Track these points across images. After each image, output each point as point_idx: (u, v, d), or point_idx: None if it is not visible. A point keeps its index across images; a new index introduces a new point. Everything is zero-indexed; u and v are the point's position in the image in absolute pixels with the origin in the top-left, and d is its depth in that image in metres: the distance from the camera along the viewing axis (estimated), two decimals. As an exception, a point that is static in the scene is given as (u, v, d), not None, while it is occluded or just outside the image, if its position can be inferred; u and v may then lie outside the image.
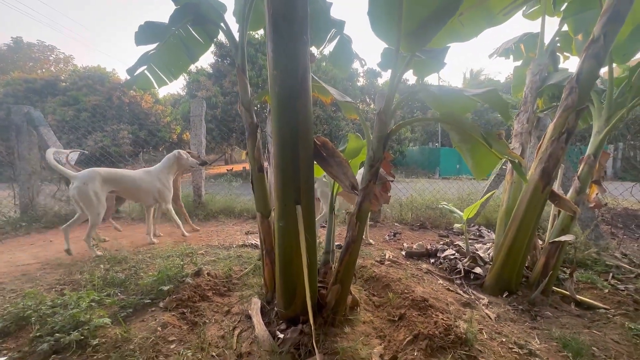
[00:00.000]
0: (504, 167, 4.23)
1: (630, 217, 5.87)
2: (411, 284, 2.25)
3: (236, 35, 1.95)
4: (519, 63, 3.66)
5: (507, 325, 1.99)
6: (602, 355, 1.71)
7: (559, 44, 3.26)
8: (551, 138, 2.24)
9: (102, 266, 2.28)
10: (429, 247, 3.21)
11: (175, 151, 3.49)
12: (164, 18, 2.17)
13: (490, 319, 2.05)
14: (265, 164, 2.04)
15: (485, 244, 3.36)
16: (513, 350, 1.68)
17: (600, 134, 2.47)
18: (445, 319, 1.74)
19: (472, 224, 4.47)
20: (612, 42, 2.03)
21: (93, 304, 1.65)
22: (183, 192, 4.05)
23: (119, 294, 1.95)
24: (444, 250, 3.08)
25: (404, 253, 3.14)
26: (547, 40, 2.96)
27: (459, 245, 3.17)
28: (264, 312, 1.85)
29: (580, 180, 2.49)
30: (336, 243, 2.95)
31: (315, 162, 1.50)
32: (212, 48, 14.70)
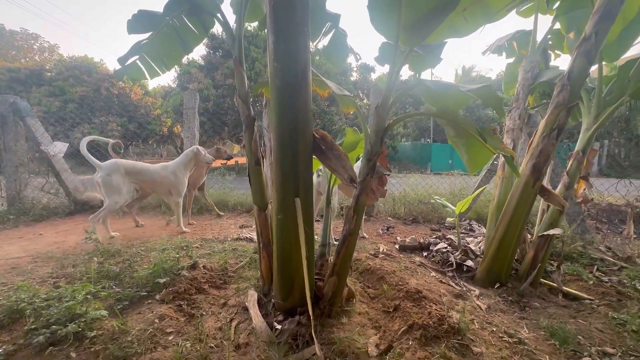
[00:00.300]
0: (495, 162, 4.31)
1: (614, 212, 6.06)
2: (405, 276, 2.30)
3: (232, 27, 1.93)
4: (511, 60, 3.71)
5: (498, 316, 2.05)
6: (587, 343, 1.78)
7: (550, 42, 3.31)
8: (542, 134, 2.30)
9: (95, 259, 2.25)
10: (421, 240, 3.27)
11: (194, 147, 3.60)
12: (158, 7, 2.13)
13: (482, 309, 2.11)
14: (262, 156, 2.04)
15: (476, 237, 3.43)
16: (503, 339, 1.73)
17: (589, 130, 2.54)
18: (438, 309, 1.78)
19: (464, 218, 4.55)
20: (603, 41, 2.08)
21: (89, 296, 1.64)
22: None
23: (114, 286, 1.94)
24: (437, 243, 3.14)
25: (397, 246, 3.18)
26: (539, 37, 3.01)
27: (451, 239, 3.24)
28: (260, 304, 1.86)
29: (569, 176, 2.56)
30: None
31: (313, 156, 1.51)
32: (204, 39, 14.48)
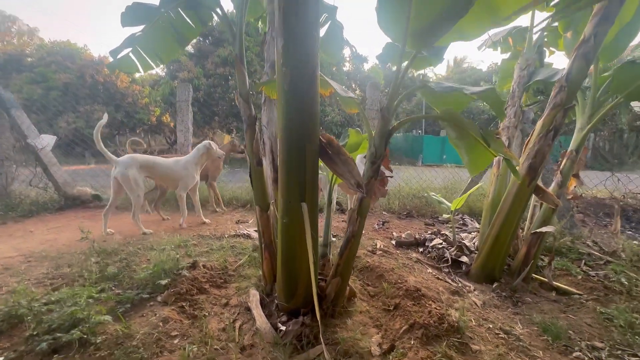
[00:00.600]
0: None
1: (600, 205, 6.27)
2: (404, 273, 2.34)
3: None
4: (506, 56, 3.73)
5: (493, 312, 2.12)
6: (577, 337, 1.87)
7: (546, 39, 3.33)
8: (539, 135, 2.34)
9: (92, 259, 2.21)
10: (417, 236, 3.32)
11: (206, 142, 3.67)
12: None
13: (477, 305, 2.17)
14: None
15: (470, 232, 3.51)
16: (499, 335, 1.80)
17: (583, 130, 2.59)
18: (437, 308, 1.83)
19: (457, 213, 4.64)
20: (601, 43, 2.11)
21: (90, 300, 1.61)
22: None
23: (113, 288, 1.91)
24: (432, 239, 3.20)
25: (394, 242, 3.23)
26: (535, 35, 3.02)
27: (446, 235, 3.30)
28: (263, 304, 1.88)
29: (562, 175, 2.62)
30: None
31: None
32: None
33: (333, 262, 2.19)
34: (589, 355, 1.71)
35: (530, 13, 2.93)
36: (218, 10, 1.87)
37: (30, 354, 1.35)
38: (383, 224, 4.05)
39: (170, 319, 1.63)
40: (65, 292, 1.72)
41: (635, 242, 3.98)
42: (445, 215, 4.09)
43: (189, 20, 2.24)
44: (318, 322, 1.67)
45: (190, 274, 2.07)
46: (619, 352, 1.75)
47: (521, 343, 1.75)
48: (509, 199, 2.46)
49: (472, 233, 3.42)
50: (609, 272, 2.78)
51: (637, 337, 1.84)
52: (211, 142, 3.70)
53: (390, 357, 1.50)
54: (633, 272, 2.76)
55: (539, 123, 2.37)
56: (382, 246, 3.03)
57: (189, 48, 15.14)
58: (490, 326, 1.88)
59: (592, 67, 2.58)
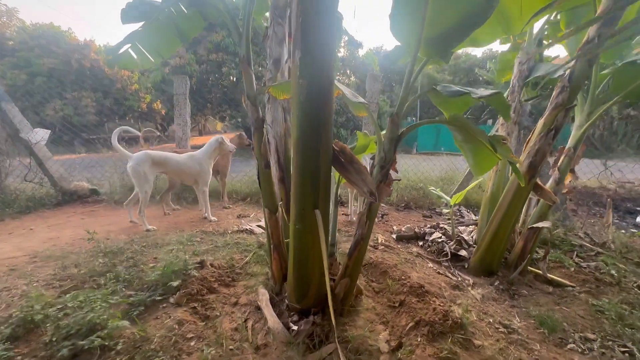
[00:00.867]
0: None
1: (590, 194, 6.46)
2: (406, 269, 2.41)
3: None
4: (505, 47, 3.72)
5: (491, 305, 2.21)
6: (571, 329, 1.97)
7: (546, 32, 3.33)
8: (540, 134, 2.38)
9: (100, 260, 2.22)
10: (417, 230, 3.40)
11: (218, 137, 3.69)
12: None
13: (477, 299, 2.27)
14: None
15: (467, 225, 3.60)
16: (499, 330, 1.89)
17: (582, 128, 2.64)
18: (441, 304, 1.91)
19: (454, 205, 4.74)
20: (604, 44, 2.13)
21: (104, 304, 1.64)
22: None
23: (124, 289, 1.94)
24: (432, 233, 3.28)
25: (394, 236, 3.30)
26: (535, 28, 3.02)
27: (445, 228, 3.38)
28: (273, 303, 1.93)
29: (559, 172, 2.69)
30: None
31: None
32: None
33: (340, 262, 2.26)
34: (582, 346, 1.82)
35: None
36: (223, 9, 1.82)
37: (51, 359, 1.38)
38: (382, 217, 4.12)
39: (185, 321, 1.67)
40: (76, 296, 1.74)
41: (622, 230, 4.15)
42: (445, 211, 4.18)
43: (191, 16, 2.19)
44: (328, 321, 1.74)
45: (199, 273, 2.10)
46: (610, 342, 1.86)
47: (519, 337, 1.84)
48: (509, 196, 2.52)
49: (470, 226, 3.51)
50: (600, 263, 2.90)
51: (626, 328, 1.95)
52: (223, 137, 3.72)
53: (399, 354, 1.57)
54: (622, 264, 2.89)
55: (540, 122, 2.41)
56: (383, 240, 3.10)
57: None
58: (490, 320, 1.97)
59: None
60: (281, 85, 1.89)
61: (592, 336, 1.92)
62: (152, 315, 1.72)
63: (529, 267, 2.76)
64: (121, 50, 2.39)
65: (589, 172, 6.47)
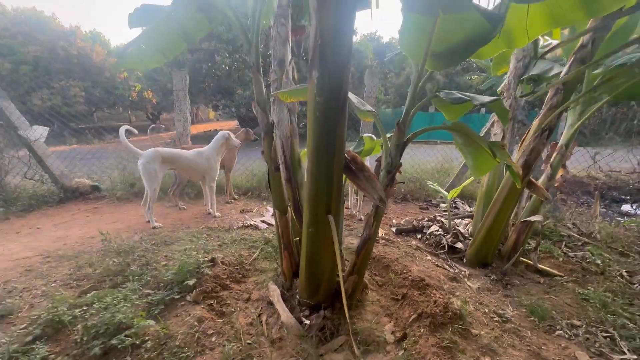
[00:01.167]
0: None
1: (578, 183, 6.68)
2: (407, 263, 2.55)
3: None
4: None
5: (486, 295, 2.37)
6: (559, 317, 2.14)
7: (543, 31, 3.40)
8: (534, 134, 2.49)
9: (115, 260, 2.30)
10: (415, 223, 3.54)
11: (225, 133, 3.74)
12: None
13: (473, 290, 2.43)
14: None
15: (463, 218, 3.76)
16: (494, 319, 2.05)
17: (573, 126, 2.76)
18: (441, 296, 2.05)
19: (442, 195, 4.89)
20: (598, 48, 2.22)
21: (127, 304, 1.73)
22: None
23: (141, 288, 2.02)
24: (429, 226, 3.42)
25: (394, 230, 3.44)
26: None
27: (442, 221, 3.52)
28: (284, 299, 2.05)
29: (552, 168, 2.82)
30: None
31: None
32: None
33: (347, 259, 2.38)
34: (568, 332, 1.99)
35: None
36: (232, 16, 1.85)
37: (82, 357, 1.48)
38: (381, 210, 4.25)
39: (205, 318, 1.78)
40: (99, 296, 1.83)
41: (607, 219, 4.37)
42: (443, 205, 4.33)
43: (197, 19, 2.20)
44: (337, 315, 1.87)
45: (211, 271, 2.20)
46: (594, 328, 2.03)
47: (512, 325, 2.00)
48: (504, 192, 2.65)
49: (466, 219, 3.67)
50: (586, 253, 3.09)
51: (609, 315, 2.13)
52: (230, 133, 3.77)
53: (404, 345, 1.71)
54: (607, 253, 3.08)
55: (535, 122, 2.52)
56: (383, 234, 3.23)
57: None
58: (486, 310, 2.13)
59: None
60: (290, 92, 1.95)
61: (578, 323, 2.09)
62: (172, 313, 1.82)
63: (521, 258, 2.93)
64: (124, 51, 2.40)
65: (575, 161, 6.65)
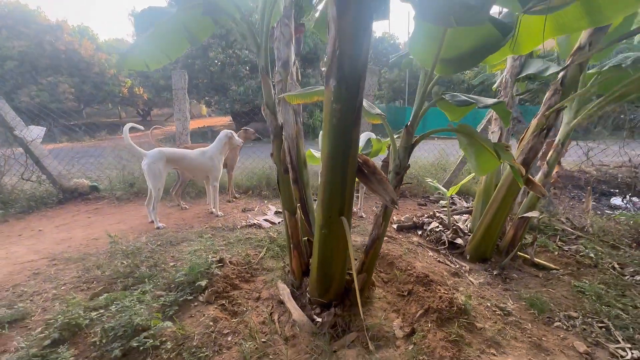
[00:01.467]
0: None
1: (569, 177, 6.86)
2: (411, 260, 2.62)
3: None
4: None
5: (487, 289, 2.46)
6: (556, 309, 2.24)
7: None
8: (533, 133, 2.57)
9: (123, 261, 2.31)
10: (415, 220, 3.62)
11: (227, 132, 3.75)
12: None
13: (474, 284, 2.51)
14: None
15: (462, 214, 3.85)
16: (496, 312, 2.13)
17: (569, 125, 2.85)
18: (446, 292, 2.12)
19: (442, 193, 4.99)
20: (595, 50, 2.29)
21: (143, 306, 1.76)
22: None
23: (152, 290, 2.05)
24: (429, 222, 3.50)
25: (395, 226, 3.51)
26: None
27: (441, 218, 3.61)
28: (294, 297, 2.10)
29: (548, 165, 2.91)
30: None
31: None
32: None
33: (355, 258, 2.43)
34: (566, 324, 2.09)
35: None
36: (240, 19, 1.86)
37: (103, 359, 1.51)
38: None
39: (219, 318, 1.81)
40: (111, 298, 1.85)
41: (598, 212, 4.52)
42: (442, 202, 4.41)
43: (202, 21, 2.20)
44: (348, 312, 1.93)
45: (221, 272, 2.23)
46: (589, 319, 2.13)
47: (514, 318, 2.09)
48: (502, 190, 2.74)
49: (464, 215, 3.76)
50: (580, 246, 3.21)
51: (603, 306, 2.23)
52: (232, 132, 3.78)
53: (413, 339, 1.78)
54: (599, 246, 3.21)
55: (534, 122, 2.59)
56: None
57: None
58: (488, 304, 2.21)
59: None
60: (297, 94, 1.98)
61: (574, 314, 2.19)
62: (186, 314, 1.86)
63: (518, 253, 3.03)
64: (128, 52, 2.39)
65: (567, 155, 6.80)
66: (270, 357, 1.63)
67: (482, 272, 2.75)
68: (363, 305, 2.06)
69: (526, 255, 2.97)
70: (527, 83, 4.15)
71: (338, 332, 1.82)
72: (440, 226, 3.43)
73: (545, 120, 2.50)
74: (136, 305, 1.73)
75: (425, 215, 3.71)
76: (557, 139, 2.92)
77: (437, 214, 3.75)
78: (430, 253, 2.96)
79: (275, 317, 1.96)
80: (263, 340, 1.75)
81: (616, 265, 2.86)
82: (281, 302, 2.09)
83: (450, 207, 4.33)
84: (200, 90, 14.31)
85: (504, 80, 3.52)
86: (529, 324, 2.05)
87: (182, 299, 1.93)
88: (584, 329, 2.03)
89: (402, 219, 3.69)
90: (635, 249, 3.21)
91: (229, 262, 2.41)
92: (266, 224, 3.39)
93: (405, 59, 1.96)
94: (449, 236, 3.22)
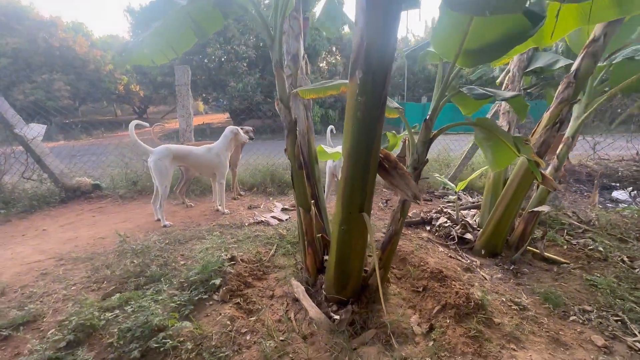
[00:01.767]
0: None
1: (570, 172, 6.88)
2: (423, 255, 2.60)
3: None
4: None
5: (500, 284, 2.45)
6: (570, 303, 2.24)
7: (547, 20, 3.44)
8: (545, 127, 2.55)
9: (134, 261, 2.27)
10: (423, 215, 3.60)
11: (233, 128, 3.70)
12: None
13: (487, 279, 2.51)
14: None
15: (469, 209, 3.84)
16: (512, 307, 2.12)
17: (579, 119, 2.83)
18: (461, 288, 2.11)
19: (450, 188, 4.98)
20: (609, 42, 2.27)
21: (158, 305, 1.72)
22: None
23: (165, 289, 2.01)
24: (438, 218, 3.49)
25: (403, 222, 3.48)
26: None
27: (449, 213, 3.60)
28: (309, 294, 2.07)
29: (558, 159, 2.90)
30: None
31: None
32: None
33: (369, 254, 2.41)
34: (582, 317, 2.08)
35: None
36: (254, 11, 1.81)
37: (121, 360, 1.48)
38: (386, 202, 4.30)
39: (236, 317, 1.79)
40: (124, 298, 1.82)
41: (599, 206, 4.53)
42: (451, 197, 4.41)
43: (211, 13, 2.14)
44: (365, 309, 1.91)
45: (234, 270, 2.20)
46: (604, 313, 2.13)
47: (530, 313, 2.08)
48: (514, 184, 2.72)
49: (472, 210, 3.75)
50: (587, 240, 3.21)
51: (617, 300, 2.23)
52: (238, 128, 3.73)
53: (433, 335, 1.77)
54: (607, 240, 3.21)
55: (546, 115, 2.57)
56: (394, 227, 3.28)
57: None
58: (503, 299, 2.20)
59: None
60: (311, 89, 1.94)
61: (589, 308, 2.19)
62: (201, 313, 1.83)
63: (528, 247, 3.03)
64: (133, 47, 2.33)
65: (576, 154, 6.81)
66: (291, 355, 1.60)
67: (493, 267, 2.74)
68: (378, 302, 2.04)
69: (536, 250, 2.97)
70: (531, 77, 4.12)
71: (356, 329, 1.80)
72: (448, 221, 3.41)
73: (558, 114, 2.48)
74: (152, 305, 1.69)
75: (433, 211, 3.69)
76: (567, 132, 2.91)
77: (445, 209, 3.74)
78: (441, 248, 2.95)
79: (292, 315, 1.94)
80: (281, 338, 1.72)
81: (625, 259, 2.85)
82: (296, 300, 2.07)
83: (457, 201, 4.32)
84: (198, 87, 14.16)
85: (511, 74, 3.50)
86: (545, 319, 2.05)
87: (196, 298, 1.90)
88: (600, 323, 2.03)
89: (410, 214, 3.67)
90: (643, 242, 3.21)
91: (240, 259, 2.38)
92: (274, 221, 3.35)
93: (420, 52, 1.92)
94: (458, 231, 3.21)
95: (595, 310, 2.16)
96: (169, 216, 3.43)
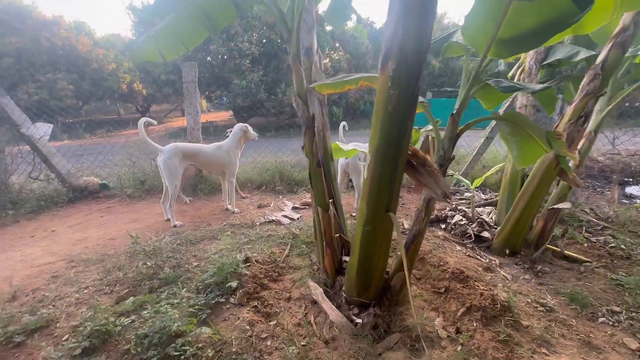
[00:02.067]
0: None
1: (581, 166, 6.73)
2: (442, 255, 2.52)
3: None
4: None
5: (523, 284, 2.37)
6: (597, 304, 2.16)
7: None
8: (569, 121, 2.45)
9: (147, 262, 2.21)
10: (437, 213, 3.52)
11: (242, 125, 3.64)
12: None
13: (508, 279, 2.42)
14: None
15: (484, 206, 3.75)
16: (538, 309, 2.05)
17: (602, 112, 2.73)
18: (486, 289, 2.03)
19: (462, 184, 4.88)
20: (639, 31, 2.17)
21: (175, 310, 1.66)
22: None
23: (181, 292, 1.95)
24: (453, 216, 3.40)
25: (417, 220, 3.40)
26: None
27: (464, 210, 3.51)
28: (328, 296, 2.01)
29: (580, 155, 2.80)
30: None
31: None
32: None
33: (390, 255, 2.33)
34: (611, 319, 2.00)
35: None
36: (270, 3, 1.73)
37: (139, 368, 1.42)
38: (398, 200, 4.22)
39: (254, 321, 1.72)
40: (138, 302, 1.76)
41: (615, 204, 4.41)
42: (467, 194, 4.32)
43: (223, 6, 2.06)
44: (387, 312, 1.84)
45: (249, 271, 2.14)
46: (634, 314, 2.05)
47: (557, 314, 2.00)
48: (535, 180, 2.63)
49: (487, 207, 3.66)
50: (607, 237, 3.12)
51: (646, 300, 2.15)
52: (247, 125, 3.67)
53: (460, 339, 1.69)
54: (629, 237, 3.11)
55: (570, 109, 2.47)
56: (408, 226, 3.20)
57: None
58: (528, 300, 2.13)
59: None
60: (330, 83, 1.86)
61: (617, 309, 2.11)
62: (219, 317, 1.77)
63: (547, 245, 2.94)
64: (143, 43, 2.27)
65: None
66: (314, 361, 1.54)
67: (513, 266, 2.66)
68: (400, 304, 1.97)
69: (556, 248, 2.88)
70: (546, 71, 4.00)
71: (380, 333, 1.73)
72: (464, 219, 3.33)
73: (583, 107, 2.39)
74: (168, 309, 1.63)
75: (448, 209, 3.61)
76: (589, 126, 2.81)
77: (460, 207, 3.65)
78: (458, 247, 2.87)
79: (311, 318, 1.87)
80: (303, 343, 1.66)
81: (650, 257, 2.77)
82: (314, 302, 2.00)
83: (468, 200, 4.23)
84: (202, 85, 14.08)
85: (527, 67, 3.38)
86: (574, 320, 1.97)
87: (213, 301, 1.84)
88: (631, 324, 1.95)
89: (423, 212, 3.59)
90: (667, 239, 3.11)
91: (255, 260, 2.32)
92: (285, 220, 3.29)
93: (445, 43, 1.83)
94: (475, 229, 3.12)
95: (624, 311, 2.07)
96: (178, 216, 3.37)
